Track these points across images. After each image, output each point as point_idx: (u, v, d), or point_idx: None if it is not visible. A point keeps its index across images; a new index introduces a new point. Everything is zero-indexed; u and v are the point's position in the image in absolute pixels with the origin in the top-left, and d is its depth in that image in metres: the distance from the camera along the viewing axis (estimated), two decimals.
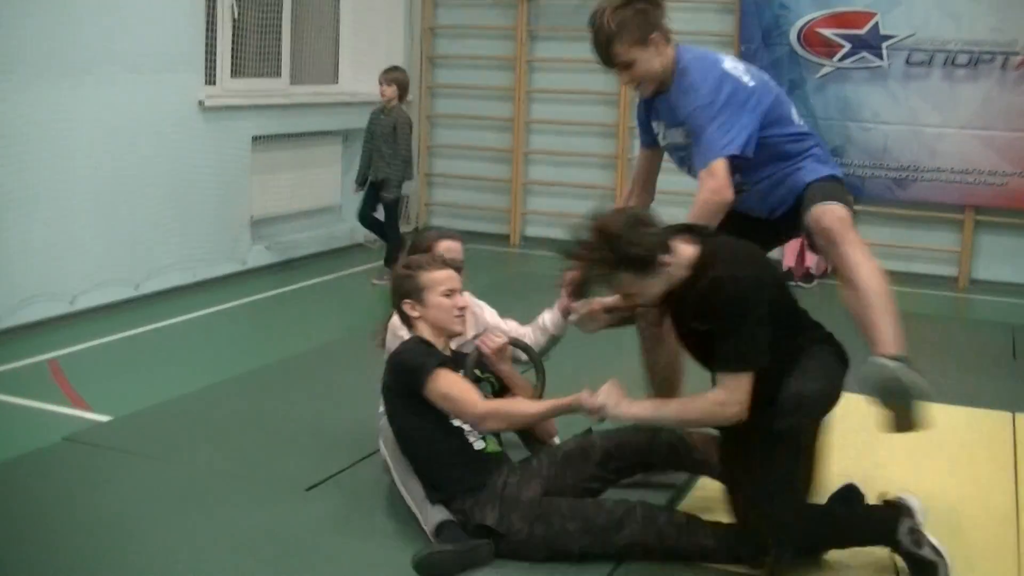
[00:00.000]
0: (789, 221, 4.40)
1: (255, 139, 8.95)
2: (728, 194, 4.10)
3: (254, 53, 9.19)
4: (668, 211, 4.24)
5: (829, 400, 3.80)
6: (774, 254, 5.96)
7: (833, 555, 3.93)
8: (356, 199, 10.37)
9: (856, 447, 5.15)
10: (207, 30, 8.45)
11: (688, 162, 4.36)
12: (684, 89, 4.25)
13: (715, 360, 3.68)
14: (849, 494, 4.05)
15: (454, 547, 3.86)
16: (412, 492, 4.14)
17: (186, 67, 8.17)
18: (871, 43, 9.39)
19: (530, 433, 4.46)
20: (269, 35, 9.37)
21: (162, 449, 4.98)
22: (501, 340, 4.41)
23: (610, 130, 10.39)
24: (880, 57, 9.39)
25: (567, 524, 3.89)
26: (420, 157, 11.28)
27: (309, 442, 5.04)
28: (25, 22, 6.79)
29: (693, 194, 4.21)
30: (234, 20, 8.82)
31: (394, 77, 8.74)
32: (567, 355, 5.00)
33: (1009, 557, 4.08)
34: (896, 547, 3.73)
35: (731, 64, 4.32)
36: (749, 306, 3.58)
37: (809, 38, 9.58)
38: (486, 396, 4.22)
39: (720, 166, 4.10)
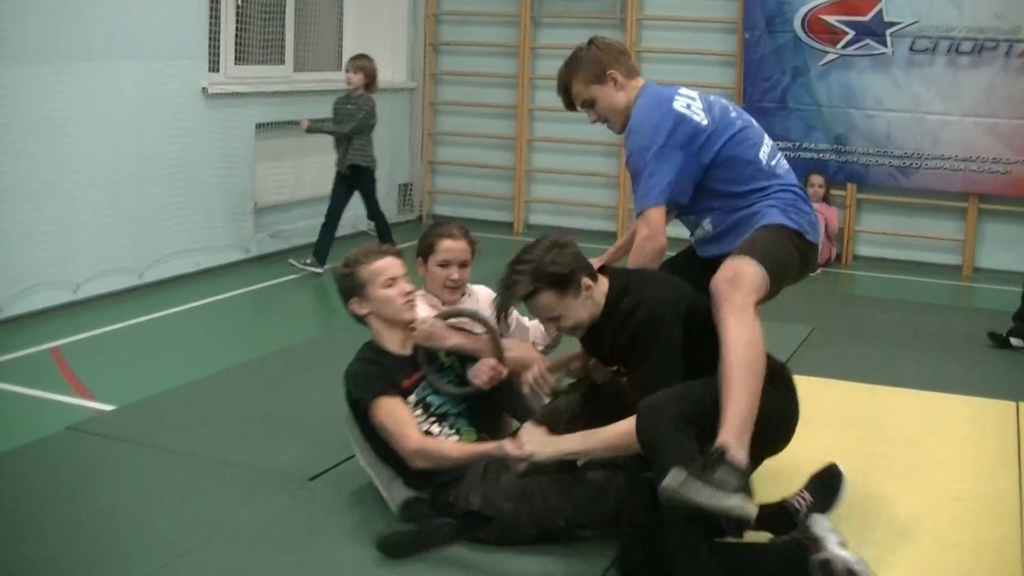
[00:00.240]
0: None
1: (259, 126, 8.96)
2: (661, 241, 4.02)
3: (258, 40, 9.17)
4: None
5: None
6: None
7: None
8: None
9: (857, 437, 5.16)
10: (211, 17, 8.45)
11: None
12: (628, 131, 4.16)
13: (630, 386, 3.74)
14: (831, 476, 3.96)
15: (415, 527, 3.90)
16: (379, 474, 4.19)
17: (190, 54, 8.16)
18: (875, 30, 9.37)
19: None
20: (273, 22, 9.35)
21: (165, 438, 4.98)
22: (491, 371, 4.22)
23: None
24: (884, 44, 9.37)
25: (551, 498, 3.92)
26: (424, 144, 11.28)
27: (312, 431, 5.04)
28: (28, 9, 6.78)
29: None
30: (238, 7, 8.80)
31: (361, 65, 8.58)
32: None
33: (1013, 546, 4.08)
34: None
35: (685, 102, 4.10)
36: (662, 327, 3.65)
37: (813, 25, 9.56)
38: (449, 381, 4.24)
39: (653, 214, 4.01)
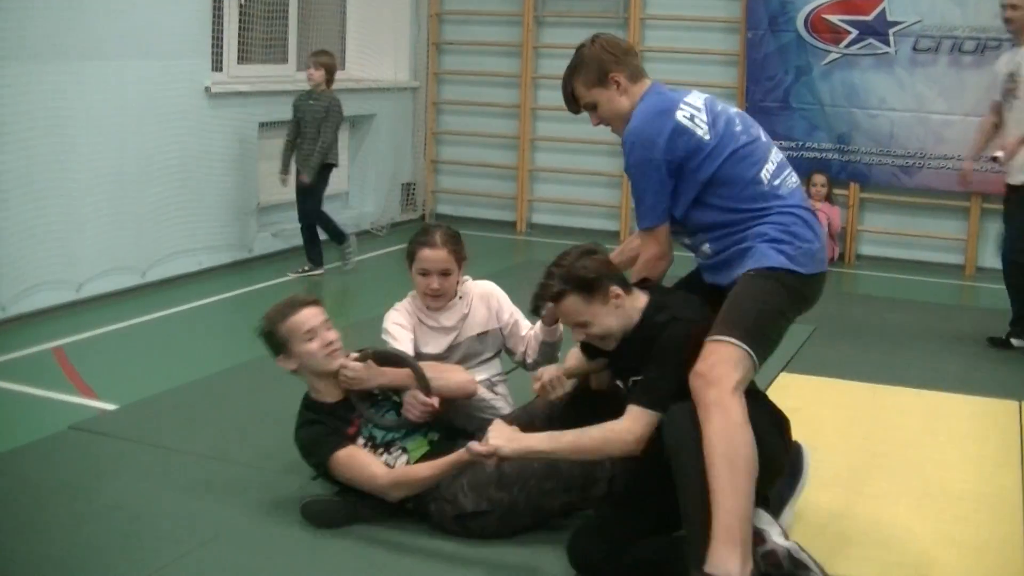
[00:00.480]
0: None
1: (262, 126, 8.96)
2: (671, 258, 3.94)
3: (261, 39, 9.18)
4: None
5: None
6: None
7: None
8: (363, 186, 10.42)
9: (859, 436, 5.17)
10: (214, 16, 8.45)
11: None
12: (626, 137, 3.91)
13: (632, 390, 3.73)
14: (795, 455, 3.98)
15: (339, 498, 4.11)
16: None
17: (193, 53, 8.17)
18: (878, 29, 9.36)
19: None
20: (276, 21, 9.36)
21: (167, 437, 4.99)
22: (421, 406, 4.16)
23: None
24: (887, 43, 9.36)
25: (544, 484, 3.94)
26: (427, 144, 11.28)
27: None
28: (32, 9, 6.79)
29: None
30: (241, 6, 8.81)
31: (323, 61, 8.42)
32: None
33: (1015, 545, 4.08)
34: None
35: (688, 112, 3.85)
36: (684, 350, 3.61)
37: (816, 24, 9.55)
38: (387, 411, 4.22)
39: (662, 232, 3.90)
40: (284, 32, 9.49)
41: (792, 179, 3.92)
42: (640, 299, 3.79)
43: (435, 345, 4.55)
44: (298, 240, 8.91)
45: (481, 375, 4.60)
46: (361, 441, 4.12)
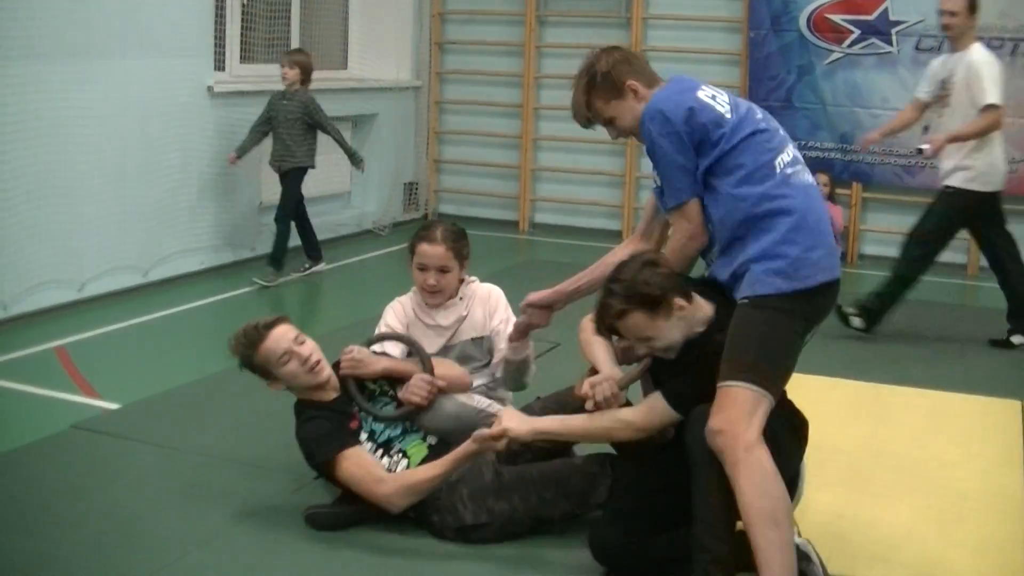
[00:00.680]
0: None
1: None
2: (704, 240, 3.75)
3: (263, 39, 9.19)
4: None
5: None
6: None
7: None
8: (365, 185, 10.40)
9: (861, 436, 5.16)
10: (216, 16, 8.45)
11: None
12: (645, 115, 3.76)
13: (659, 382, 3.70)
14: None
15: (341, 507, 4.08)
16: None
17: (195, 53, 8.17)
18: (880, 29, 9.36)
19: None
20: (278, 21, 9.37)
21: (170, 437, 4.99)
22: (428, 386, 4.15)
23: None
24: (889, 43, 9.36)
25: (543, 493, 3.94)
26: (429, 143, 11.29)
27: None
28: (35, 9, 6.79)
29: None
30: (243, 6, 8.82)
31: (297, 60, 8.26)
32: (569, 365, 4.97)
33: (1018, 544, 4.08)
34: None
35: (710, 92, 3.80)
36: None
37: (818, 24, 9.55)
38: (385, 406, 4.20)
39: (692, 207, 3.71)
40: (286, 32, 9.49)
41: (806, 175, 3.76)
42: (704, 308, 3.65)
43: (429, 344, 4.48)
44: (298, 240, 8.92)
45: (477, 381, 4.56)
46: (363, 436, 4.11)
